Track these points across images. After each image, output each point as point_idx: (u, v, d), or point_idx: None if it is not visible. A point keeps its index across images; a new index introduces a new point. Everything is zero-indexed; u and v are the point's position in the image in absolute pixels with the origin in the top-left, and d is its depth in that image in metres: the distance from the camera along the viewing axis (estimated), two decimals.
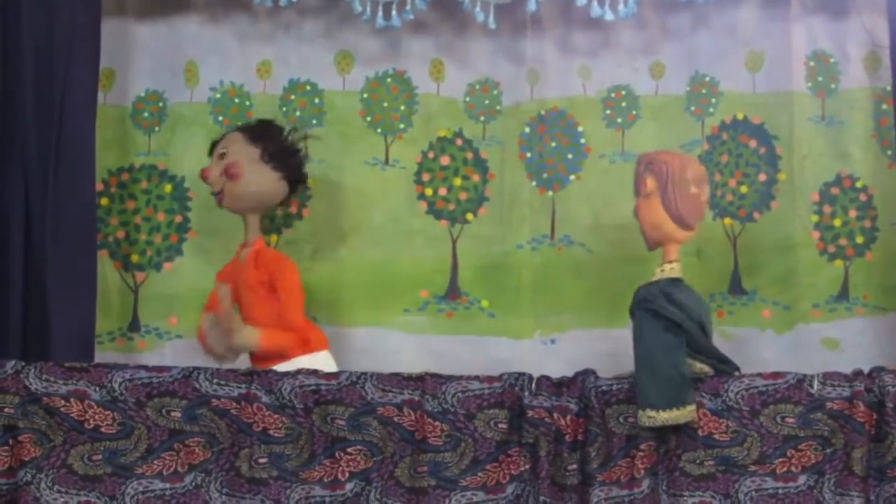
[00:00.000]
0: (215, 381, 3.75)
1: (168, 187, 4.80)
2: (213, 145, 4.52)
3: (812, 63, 4.78)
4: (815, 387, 3.72)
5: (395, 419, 3.74)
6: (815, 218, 4.73)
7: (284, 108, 4.83)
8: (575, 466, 3.69)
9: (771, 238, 4.72)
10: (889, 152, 4.75)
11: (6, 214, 4.17)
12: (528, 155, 4.82)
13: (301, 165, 4.53)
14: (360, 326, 4.74)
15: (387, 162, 4.84)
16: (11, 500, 3.66)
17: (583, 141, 4.82)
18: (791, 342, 4.66)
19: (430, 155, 4.84)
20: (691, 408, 3.73)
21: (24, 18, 4.28)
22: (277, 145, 4.48)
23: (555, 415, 3.72)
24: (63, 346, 4.09)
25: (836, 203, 4.74)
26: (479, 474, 3.73)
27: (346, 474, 3.74)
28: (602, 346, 4.62)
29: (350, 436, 3.74)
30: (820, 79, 4.78)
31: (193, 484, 3.73)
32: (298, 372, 3.81)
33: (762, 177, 4.76)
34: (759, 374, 3.76)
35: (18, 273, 4.13)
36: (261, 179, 4.45)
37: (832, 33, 4.79)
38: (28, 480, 3.67)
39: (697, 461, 3.71)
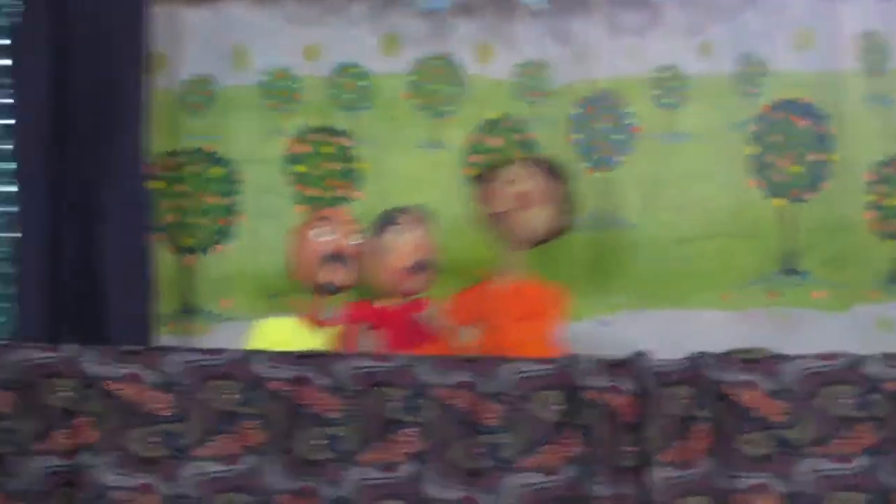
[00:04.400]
0: (270, 363, 3.75)
1: (218, 170, 4.82)
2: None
3: (862, 42, 4.75)
4: (873, 368, 3.70)
5: (450, 401, 3.74)
6: (868, 198, 4.71)
7: (332, 91, 4.83)
8: (631, 448, 3.68)
9: (823, 218, 4.70)
10: None
11: (60, 201, 4.18)
12: (578, 136, 4.81)
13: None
14: None
15: (435, 144, 4.83)
16: (70, 482, 3.68)
17: (632, 121, 4.81)
18: (846, 323, 4.64)
19: (479, 137, 4.83)
20: None
21: (73, 5, 4.29)
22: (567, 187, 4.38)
23: (610, 396, 3.71)
24: (120, 330, 4.10)
25: (889, 183, 4.72)
26: (535, 456, 3.72)
27: (402, 456, 3.74)
28: (654, 327, 4.62)
29: (405, 418, 3.74)
30: (871, 58, 4.75)
31: (249, 467, 3.74)
32: (352, 354, 3.81)
33: (813, 157, 4.74)
34: (816, 355, 3.74)
35: (74, 259, 4.14)
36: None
37: (882, 12, 4.77)
38: (87, 464, 3.69)
39: (754, 443, 3.69)
